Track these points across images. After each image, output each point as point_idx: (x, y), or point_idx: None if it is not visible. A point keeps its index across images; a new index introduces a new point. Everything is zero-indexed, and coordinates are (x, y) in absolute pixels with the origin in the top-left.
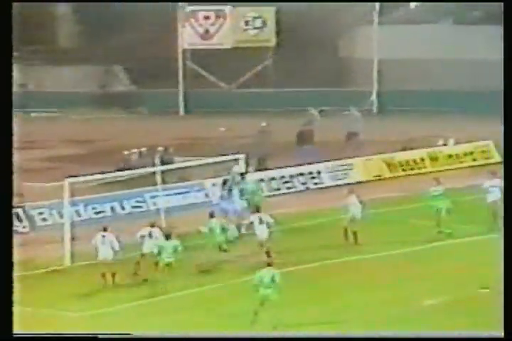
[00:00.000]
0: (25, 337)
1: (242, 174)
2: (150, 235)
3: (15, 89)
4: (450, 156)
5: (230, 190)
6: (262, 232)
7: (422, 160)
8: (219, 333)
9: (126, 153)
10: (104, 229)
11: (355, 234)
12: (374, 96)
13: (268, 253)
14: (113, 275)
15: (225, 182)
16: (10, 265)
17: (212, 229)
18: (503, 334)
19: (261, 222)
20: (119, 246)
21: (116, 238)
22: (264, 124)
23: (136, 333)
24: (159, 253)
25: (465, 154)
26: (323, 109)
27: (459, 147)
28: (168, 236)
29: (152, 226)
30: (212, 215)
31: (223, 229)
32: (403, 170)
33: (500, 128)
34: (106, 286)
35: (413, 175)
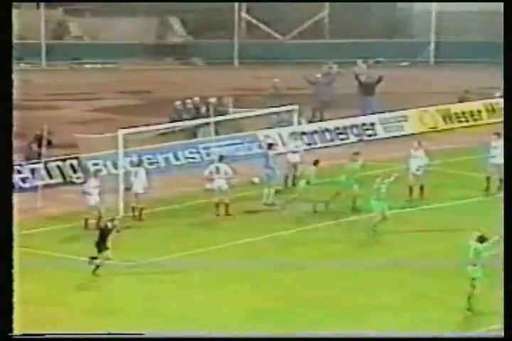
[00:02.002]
0: (26, 338)
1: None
2: (218, 170)
3: (70, 40)
4: None
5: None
6: None
7: (479, 112)
8: (219, 333)
9: (177, 103)
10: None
11: (421, 188)
12: (431, 48)
13: None
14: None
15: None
16: (10, 264)
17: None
18: (503, 334)
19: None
20: None
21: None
22: (319, 75)
23: (147, 332)
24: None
25: None
26: (379, 61)
27: None
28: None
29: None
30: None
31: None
32: (459, 121)
33: None
34: (159, 236)
35: (469, 127)
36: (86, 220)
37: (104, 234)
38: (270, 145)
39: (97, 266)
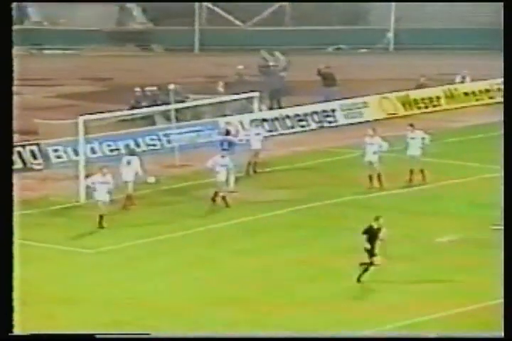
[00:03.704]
0: (26, 338)
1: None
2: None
3: (30, 26)
4: (466, 94)
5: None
6: None
7: (438, 98)
8: (219, 333)
9: (137, 90)
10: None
11: (379, 175)
12: (391, 35)
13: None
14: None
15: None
16: (10, 263)
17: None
18: (503, 334)
19: None
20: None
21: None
22: (272, 63)
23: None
24: None
25: (480, 92)
26: (340, 47)
27: (475, 84)
28: None
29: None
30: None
31: None
32: (418, 108)
33: None
34: (122, 223)
35: (428, 112)
36: (100, 217)
37: (371, 237)
38: (228, 132)
39: (365, 270)
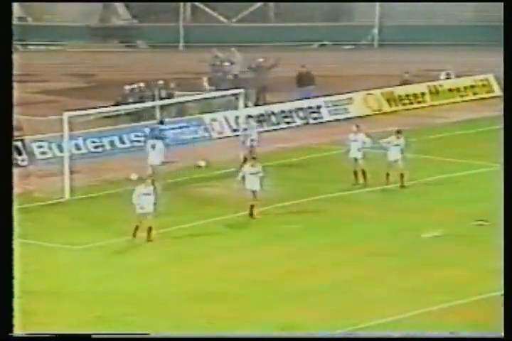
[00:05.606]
0: (26, 337)
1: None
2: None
3: (14, 21)
4: (450, 90)
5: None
6: None
7: (422, 94)
8: (218, 333)
9: (126, 87)
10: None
11: (363, 172)
12: (375, 31)
13: None
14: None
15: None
16: (10, 263)
17: None
18: (503, 334)
19: None
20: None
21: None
22: (260, 60)
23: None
24: None
25: (465, 88)
26: (324, 44)
27: (460, 81)
28: None
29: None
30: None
31: None
32: (403, 104)
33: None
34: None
35: (413, 109)
36: (136, 228)
37: None
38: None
39: None
